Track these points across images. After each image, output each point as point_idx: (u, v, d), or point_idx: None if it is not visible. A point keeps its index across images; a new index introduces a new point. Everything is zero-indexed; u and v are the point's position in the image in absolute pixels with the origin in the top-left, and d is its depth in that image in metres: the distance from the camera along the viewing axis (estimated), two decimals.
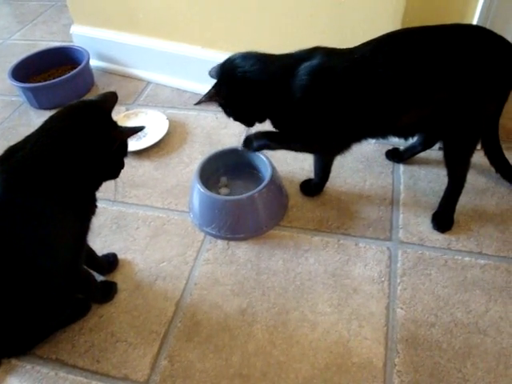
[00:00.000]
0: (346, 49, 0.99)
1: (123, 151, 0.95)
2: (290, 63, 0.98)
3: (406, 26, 1.13)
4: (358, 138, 1.08)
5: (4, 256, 0.81)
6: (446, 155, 1.07)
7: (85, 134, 0.86)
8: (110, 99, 0.94)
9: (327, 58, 0.97)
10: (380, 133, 1.10)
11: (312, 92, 0.97)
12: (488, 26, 1.05)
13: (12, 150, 0.84)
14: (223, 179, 1.29)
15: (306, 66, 0.96)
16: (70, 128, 0.86)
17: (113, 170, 0.95)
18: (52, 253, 0.86)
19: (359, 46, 0.98)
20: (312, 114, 1.00)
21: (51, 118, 0.88)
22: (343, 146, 1.10)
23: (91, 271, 1.03)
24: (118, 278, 1.10)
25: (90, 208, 0.92)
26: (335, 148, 1.12)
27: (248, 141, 1.15)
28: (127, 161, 1.39)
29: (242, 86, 1.00)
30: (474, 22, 1.13)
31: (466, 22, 1.15)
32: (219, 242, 1.16)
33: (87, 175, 0.88)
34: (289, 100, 0.99)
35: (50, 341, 0.98)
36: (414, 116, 1.01)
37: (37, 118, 1.65)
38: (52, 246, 0.85)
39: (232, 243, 1.15)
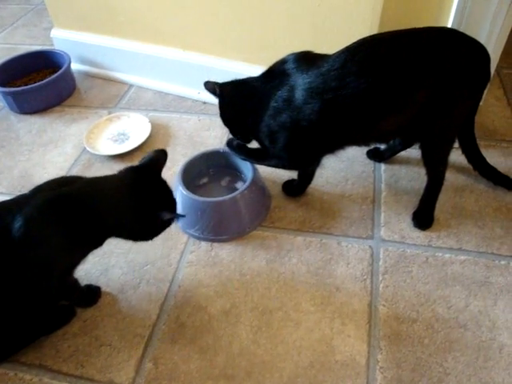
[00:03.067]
0: (319, 58, 1.00)
1: (163, 228, 0.97)
2: (264, 96, 1.04)
3: (383, 28, 1.15)
4: (336, 149, 1.10)
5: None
6: (423, 155, 1.09)
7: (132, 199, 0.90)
8: (161, 159, 0.99)
9: (295, 87, 0.99)
10: (361, 141, 1.11)
11: (284, 128, 1.03)
12: (462, 29, 1.07)
13: (65, 181, 0.90)
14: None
15: (273, 107, 1.02)
16: (119, 188, 0.91)
17: (146, 235, 0.96)
18: (52, 273, 0.87)
19: (331, 56, 0.98)
20: (285, 141, 1.05)
21: (110, 177, 0.93)
22: (319, 158, 1.13)
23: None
24: (101, 281, 1.09)
25: (100, 244, 0.93)
26: (311, 162, 1.15)
27: (229, 145, 1.21)
28: (109, 164, 1.42)
29: (228, 105, 1.13)
30: (449, 25, 1.15)
31: (440, 25, 1.17)
32: (203, 243, 1.16)
33: (120, 228, 0.92)
34: (265, 130, 1.06)
35: (34, 346, 0.98)
36: (391, 122, 1.01)
37: (18, 123, 1.64)
38: (54, 270, 0.87)
39: (215, 245, 1.16)
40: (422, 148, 1.09)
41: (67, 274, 0.95)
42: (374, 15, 1.18)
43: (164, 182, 0.97)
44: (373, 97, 0.95)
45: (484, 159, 1.19)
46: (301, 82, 0.97)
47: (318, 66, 0.97)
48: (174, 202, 0.97)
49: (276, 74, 1.04)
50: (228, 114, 1.15)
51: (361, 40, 0.97)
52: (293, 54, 1.04)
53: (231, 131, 1.19)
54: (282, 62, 1.04)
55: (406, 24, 0.98)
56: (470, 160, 1.20)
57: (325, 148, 1.09)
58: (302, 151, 1.08)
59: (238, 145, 1.20)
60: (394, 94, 0.96)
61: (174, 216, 0.93)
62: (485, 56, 0.99)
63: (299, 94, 0.98)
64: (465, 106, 1.03)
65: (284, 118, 1.01)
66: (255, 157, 1.19)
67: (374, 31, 1.19)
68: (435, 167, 1.12)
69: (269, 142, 1.08)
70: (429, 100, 0.97)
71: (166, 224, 0.96)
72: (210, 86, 1.12)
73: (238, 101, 1.10)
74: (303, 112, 0.98)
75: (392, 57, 0.94)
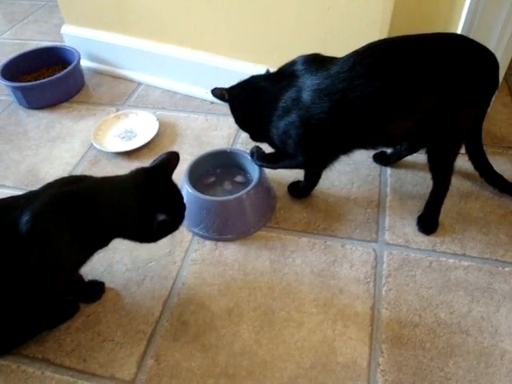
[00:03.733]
0: (328, 61, 1.00)
1: (164, 231, 0.96)
2: (273, 97, 1.04)
3: (393, 33, 1.15)
4: (346, 151, 1.10)
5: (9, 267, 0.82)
6: (429, 160, 1.09)
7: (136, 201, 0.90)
8: (172, 161, 0.98)
9: (303, 87, 1.00)
10: (369, 144, 1.12)
11: (292, 126, 1.03)
12: (472, 35, 1.07)
13: (75, 179, 0.91)
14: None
15: (282, 107, 1.03)
16: (125, 189, 0.91)
17: (148, 237, 0.96)
18: (57, 269, 0.88)
19: (340, 59, 0.98)
20: (295, 139, 1.05)
21: (120, 177, 0.93)
22: (331, 157, 1.12)
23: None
24: (105, 277, 1.10)
25: (105, 244, 0.94)
26: (323, 163, 1.14)
27: (252, 155, 1.22)
28: (116, 161, 1.42)
29: (239, 109, 1.14)
30: (459, 31, 1.15)
31: (450, 30, 1.17)
32: (207, 242, 1.17)
33: (124, 228, 0.92)
34: (274, 131, 1.07)
35: (37, 340, 0.98)
36: (399, 126, 1.01)
37: (26, 118, 1.65)
38: (59, 266, 0.88)
39: (220, 244, 1.16)
40: (428, 153, 1.09)
41: (72, 272, 0.96)
42: (383, 19, 1.18)
43: (174, 186, 0.96)
44: (380, 100, 0.95)
45: (490, 166, 1.19)
46: (309, 83, 0.98)
47: (326, 68, 0.97)
48: (180, 206, 0.97)
49: (285, 75, 1.04)
50: (241, 118, 1.16)
51: (370, 44, 0.97)
52: (302, 56, 1.04)
53: (250, 135, 1.20)
54: (291, 64, 1.05)
55: (416, 29, 0.98)
56: (476, 167, 1.20)
57: (335, 147, 1.09)
58: (313, 148, 1.07)
59: (257, 153, 1.21)
60: (402, 99, 0.96)
61: (168, 219, 0.88)
62: (493, 63, 0.98)
63: (307, 95, 0.98)
64: (472, 112, 1.03)
65: (293, 118, 1.01)
66: (274, 162, 1.19)
67: (384, 35, 1.20)
68: (441, 173, 1.12)
69: (280, 142, 1.09)
70: (436, 106, 0.97)
71: (165, 226, 0.93)
72: (218, 92, 1.13)
73: (248, 103, 1.10)
74: (311, 111, 0.98)
75: (400, 62, 0.94)
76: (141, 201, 0.90)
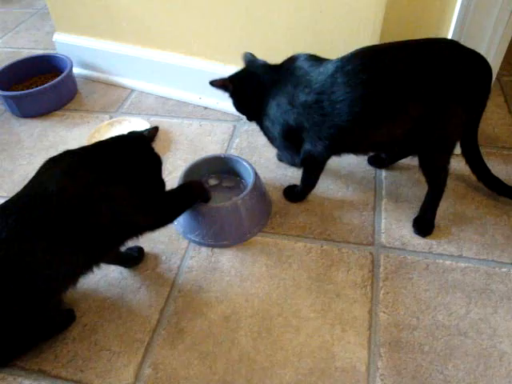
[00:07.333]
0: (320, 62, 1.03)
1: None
2: (268, 93, 1.10)
3: (384, 37, 1.15)
4: (331, 154, 1.13)
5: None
6: (421, 165, 1.09)
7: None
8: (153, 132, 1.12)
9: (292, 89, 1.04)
10: (354, 149, 1.13)
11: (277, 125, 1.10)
12: (462, 41, 1.07)
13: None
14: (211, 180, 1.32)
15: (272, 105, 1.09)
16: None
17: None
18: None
19: (325, 63, 1.01)
20: (279, 139, 1.14)
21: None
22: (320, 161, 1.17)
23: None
24: (101, 286, 1.09)
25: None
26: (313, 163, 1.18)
27: None
28: None
29: (241, 98, 1.18)
30: (449, 36, 1.15)
31: (441, 35, 1.17)
32: (203, 249, 1.16)
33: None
34: (264, 125, 1.16)
35: (33, 351, 0.97)
36: (384, 133, 1.02)
37: (19, 127, 1.64)
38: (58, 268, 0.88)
39: (216, 250, 1.16)
40: (419, 158, 1.08)
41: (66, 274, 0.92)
42: (375, 23, 1.18)
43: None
44: (359, 108, 0.96)
45: (488, 170, 1.18)
46: (296, 82, 1.03)
47: (310, 71, 1.01)
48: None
49: (283, 71, 1.09)
50: (242, 106, 1.21)
51: (356, 50, 0.98)
52: (299, 54, 1.07)
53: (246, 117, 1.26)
54: (291, 60, 1.09)
55: (408, 33, 0.99)
56: (473, 170, 1.19)
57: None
58: (294, 149, 1.12)
59: None
60: (385, 106, 0.96)
61: None
62: (485, 68, 0.98)
63: (290, 96, 1.04)
64: (463, 117, 1.01)
65: (277, 116, 1.07)
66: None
67: (376, 39, 1.20)
68: (434, 176, 1.11)
69: (267, 137, 1.17)
70: (424, 112, 0.96)
71: None
72: (220, 83, 1.14)
73: (249, 96, 1.15)
74: (290, 113, 1.04)
75: (385, 69, 0.94)
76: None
